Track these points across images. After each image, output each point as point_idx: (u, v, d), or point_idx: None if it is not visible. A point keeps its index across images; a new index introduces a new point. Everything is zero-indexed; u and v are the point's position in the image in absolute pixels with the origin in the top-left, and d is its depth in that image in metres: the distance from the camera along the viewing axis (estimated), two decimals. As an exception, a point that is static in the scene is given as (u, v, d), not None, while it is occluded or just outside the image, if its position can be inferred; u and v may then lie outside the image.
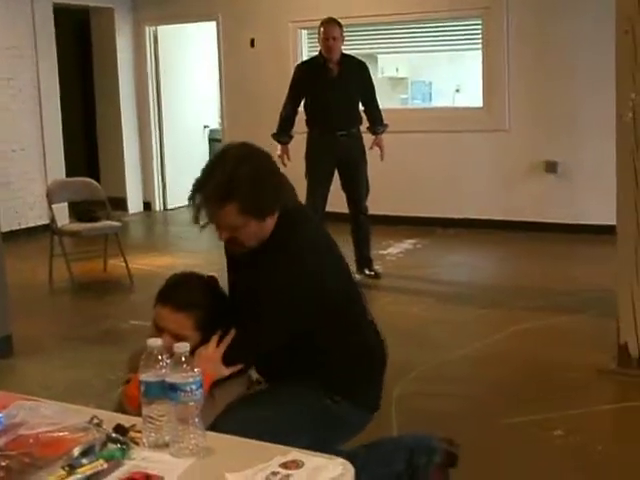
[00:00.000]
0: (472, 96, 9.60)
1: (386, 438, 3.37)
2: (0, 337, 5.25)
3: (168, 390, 1.89)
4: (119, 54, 10.67)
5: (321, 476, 1.74)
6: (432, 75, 11.07)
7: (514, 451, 3.79)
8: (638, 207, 4.55)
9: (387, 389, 4.44)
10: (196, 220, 2.61)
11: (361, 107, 7.02)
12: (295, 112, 6.96)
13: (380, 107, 7.06)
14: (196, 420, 1.89)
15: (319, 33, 6.78)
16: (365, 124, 7.00)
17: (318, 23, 9.59)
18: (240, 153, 2.62)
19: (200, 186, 2.56)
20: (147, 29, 10.80)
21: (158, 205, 11.05)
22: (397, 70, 10.89)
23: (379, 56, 10.55)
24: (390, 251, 8.01)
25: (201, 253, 8.50)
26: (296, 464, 1.80)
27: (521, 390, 4.53)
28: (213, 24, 10.36)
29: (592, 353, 4.91)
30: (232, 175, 2.50)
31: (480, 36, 8.94)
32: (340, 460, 1.82)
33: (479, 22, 8.91)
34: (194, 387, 1.87)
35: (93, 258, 7.55)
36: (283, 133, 7.02)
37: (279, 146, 6.98)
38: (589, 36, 8.13)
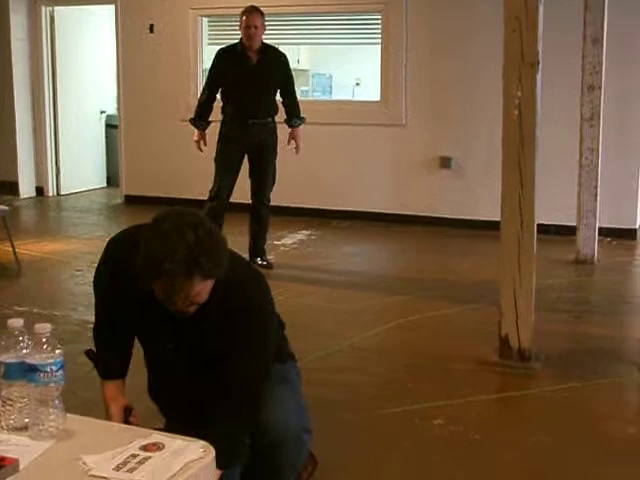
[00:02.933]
0: (372, 90, 9.67)
1: None
2: None
3: (28, 371, 1.84)
4: (13, 33, 10.36)
5: (180, 458, 1.73)
6: (333, 68, 11.13)
7: (394, 440, 3.84)
8: (522, 204, 4.65)
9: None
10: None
11: (279, 98, 7.05)
12: (212, 98, 6.96)
13: (298, 100, 7.15)
14: (56, 402, 1.85)
15: (240, 21, 6.73)
16: (282, 116, 7.01)
17: (218, 11, 9.59)
18: (182, 223, 2.43)
19: (155, 274, 2.38)
20: (44, 9, 10.53)
21: (51, 190, 10.81)
22: (298, 62, 10.89)
23: (280, 47, 10.51)
24: (284, 242, 8.03)
25: (93, 240, 8.37)
26: (156, 446, 1.78)
27: (405, 380, 4.59)
28: (112, 7, 10.17)
29: (476, 345, 5.01)
30: (188, 249, 2.36)
31: (379, 30, 9.01)
32: (201, 442, 1.82)
33: (379, 16, 8.98)
34: (54, 368, 1.83)
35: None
36: (200, 119, 7.01)
37: (195, 131, 7.01)
38: (484, 29, 8.24)
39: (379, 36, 9.05)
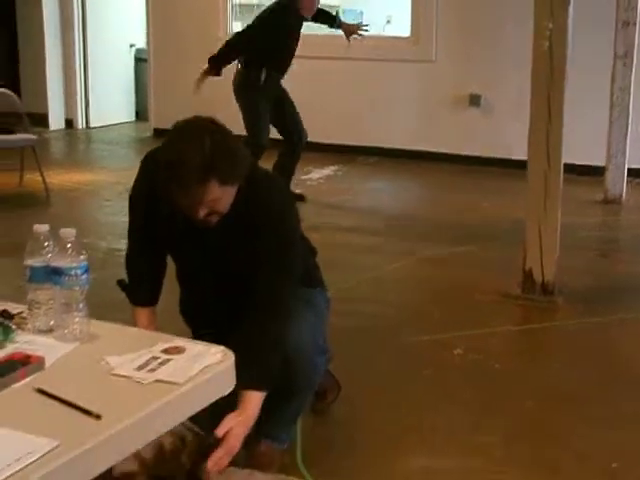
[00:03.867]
0: (403, 27, 9.57)
1: None
2: None
3: (53, 275, 1.88)
4: (43, -34, 10.35)
5: (200, 361, 1.77)
6: (364, 4, 11.02)
7: (414, 368, 3.88)
8: (549, 138, 4.62)
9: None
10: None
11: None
12: (250, 48, 6.69)
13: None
14: (80, 305, 1.89)
15: None
16: None
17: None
18: (199, 128, 2.48)
19: (173, 177, 2.40)
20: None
21: (80, 123, 10.85)
22: (329, -3, 10.79)
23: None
24: (311, 176, 8.04)
25: (122, 171, 8.42)
26: (177, 350, 1.82)
27: (427, 311, 4.63)
28: (141, -61, 10.11)
29: (500, 279, 5.02)
30: (203, 153, 2.38)
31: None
32: (221, 347, 1.85)
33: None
34: (79, 272, 1.87)
35: (9, 171, 7.39)
36: (224, 62, 6.74)
37: (204, 68, 6.76)
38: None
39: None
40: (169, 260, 2.92)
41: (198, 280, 2.84)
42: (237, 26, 10.06)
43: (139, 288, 2.91)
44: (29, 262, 1.92)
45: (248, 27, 6.85)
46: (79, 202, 7.17)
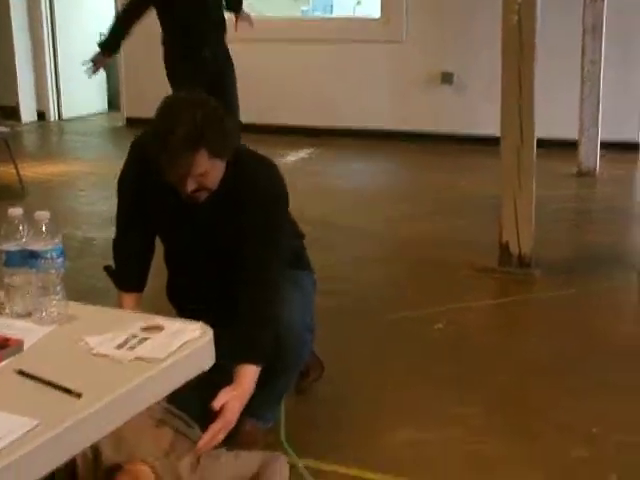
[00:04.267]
0: (373, 8, 9.56)
1: None
2: None
3: (28, 258, 1.88)
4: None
5: (179, 338, 1.78)
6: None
7: (395, 343, 3.92)
8: (521, 112, 4.65)
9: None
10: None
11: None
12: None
13: None
14: (57, 288, 1.89)
15: None
16: None
17: None
18: (189, 101, 2.53)
19: (163, 146, 2.43)
20: None
21: (53, 115, 10.77)
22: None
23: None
24: (287, 159, 8.03)
25: (96, 162, 8.40)
26: (156, 327, 1.83)
27: (405, 287, 4.66)
28: None
29: (476, 254, 5.05)
30: (194, 123, 2.42)
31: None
32: (199, 324, 1.86)
33: None
34: (54, 254, 1.87)
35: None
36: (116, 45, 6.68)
37: (97, 52, 6.52)
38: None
39: (379, -49, 8.93)
40: (157, 246, 2.93)
41: (188, 259, 2.85)
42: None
43: (126, 273, 2.92)
44: (4, 246, 1.91)
45: None
46: (54, 193, 7.13)
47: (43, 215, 1.88)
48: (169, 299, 3.01)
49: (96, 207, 6.59)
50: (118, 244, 2.96)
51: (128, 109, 10.22)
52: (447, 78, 8.64)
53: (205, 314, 2.47)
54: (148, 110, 9.90)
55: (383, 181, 7.65)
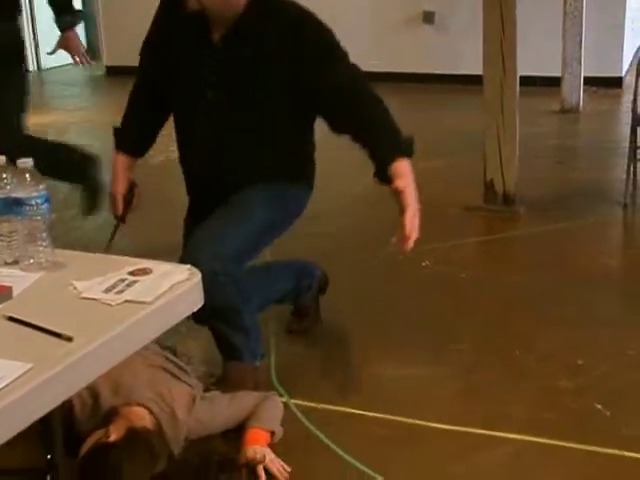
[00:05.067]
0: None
1: (278, 260, 3.50)
2: None
3: (13, 206, 1.88)
4: None
5: (167, 280, 1.79)
6: None
7: (383, 280, 3.95)
8: (503, 49, 4.63)
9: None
10: None
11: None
12: None
13: None
14: (44, 235, 1.90)
15: None
16: None
17: None
18: None
19: None
20: None
21: (32, 65, 10.66)
22: None
23: None
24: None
25: (78, 111, 8.34)
26: (144, 271, 1.84)
27: (390, 227, 4.66)
28: None
29: (461, 192, 5.08)
30: None
31: None
32: (187, 266, 1.88)
33: None
34: (39, 201, 1.87)
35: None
36: None
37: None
38: None
39: None
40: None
41: (208, 120, 2.75)
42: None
43: (124, 133, 2.93)
44: (-13, 196, 1.91)
45: None
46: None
47: (26, 162, 1.88)
48: (183, 170, 2.96)
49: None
50: (130, 99, 2.96)
51: (108, 58, 10.12)
52: (428, 17, 8.57)
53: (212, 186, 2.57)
54: (129, 58, 9.78)
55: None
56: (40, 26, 10.59)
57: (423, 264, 4.08)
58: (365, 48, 8.85)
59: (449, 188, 5.25)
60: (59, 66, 10.75)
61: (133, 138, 2.93)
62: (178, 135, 2.89)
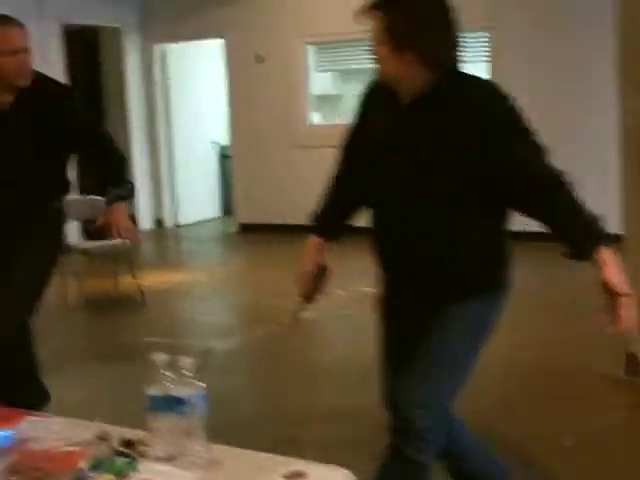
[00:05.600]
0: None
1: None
2: (13, 355, 5.29)
3: (174, 404, 1.92)
4: (128, 72, 10.76)
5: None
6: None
7: (521, 464, 3.77)
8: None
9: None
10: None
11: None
12: None
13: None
14: (200, 433, 1.92)
15: None
16: None
17: (327, 39, 9.72)
18: None
19: None
20: (155, 47, 10.87)
21: (169, 222, 11.11)
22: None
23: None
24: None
25: (211, 269, 8.58)
26: (299, 475, 1.83)
27: (519, 403, 4.51)
28: (221, 41, 10.45)
29: (597, 359, 4.91)
30: None
31: (489, 49, 9.00)
32: (345, 471, 1.85)
33: (486, 35, 8.97)
34: (198, 400, 1.91)
35: (104, 275, 7.59)
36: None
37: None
38: (602, 55, 8.17)
39: (487, 55, 9.02)
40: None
41: (396, 195, 2.69)
42: (317, 117, 10.28)
43: (322, 217, 2.93)
44: (150, 391, 1.96)
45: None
46: (173, 303, 7.29)
47: (187, 362, 1.93)
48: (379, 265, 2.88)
49: (214, 317, 6.71)
50: (326, 191, 2.97)
51: (242, 215, 10.46)
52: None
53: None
54: (261, 215, 10.14)
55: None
56: (178, 183, 11.07)
57: (562, 444, 3.90)
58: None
59: (585, 356, 5.08)
60: (195, 222, 11.18)
61: (327, 222, 2.96)
62: (370, 213, 2.88)
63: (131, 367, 4.91)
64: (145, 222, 10.95)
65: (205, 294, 7.31)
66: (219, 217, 11.64)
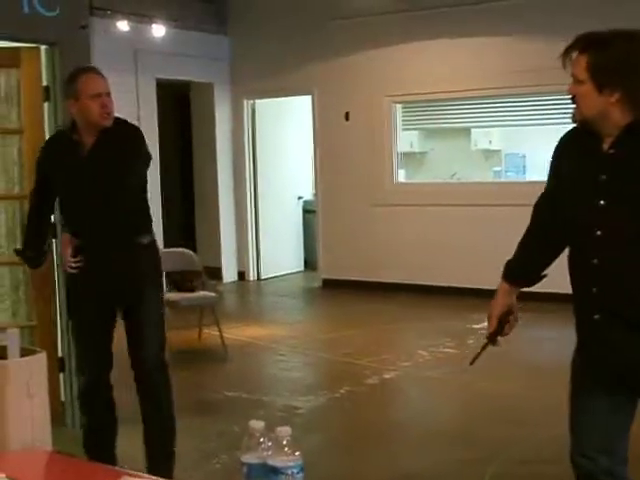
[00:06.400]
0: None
1: None
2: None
3: (270, 473, 1.91)
4: (218, 126, 10.95)
5: None
6: (526, 147, 11.02)
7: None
8: None
9: (480, 468, 4.43)
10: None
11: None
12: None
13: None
14: (296, 501, 1.91)
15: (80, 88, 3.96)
16: None
17: (414, 97, 9.78)
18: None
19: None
20: (245, 102, 11.06)
21: (252, 275, 11.19)
22: (490, 142, 10.88)
23: (473, 130, 10.62)
24: (483, 325, 7.89)
25: (294, 324, 8.59)
26: None
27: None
28: (309, 97, 10.59)
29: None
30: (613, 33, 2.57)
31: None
32: None
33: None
34: (295, 470, 1.90)
35: (188, 327, 7.65)
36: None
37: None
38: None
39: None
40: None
41: (603, 242, 2.71)
42: (402, 174, 10.30)
43: (516, 263, 3.00)
44: (246, 459, 1.96)
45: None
46: (255, 357, 7.32)
47: (285, 431, 1.92)
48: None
49: (295, 373, 6.71)
50: (523, 238, 3.03)
51: (325, 270, 10.49)
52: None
53: None
54: (343, 271, 10.12)
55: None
56: (262, 237, 11.17)
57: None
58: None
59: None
60: (277, 276, 11.24)
61: (520, 270, 3.00)
62: (571, 269, 2.88)
63: (211, 421, 4.92)
64: (228, 275, 11.05)
65: (285, 350, 7.31)
66: (301, 271, 11.69)
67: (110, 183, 3.89)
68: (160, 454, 4.14)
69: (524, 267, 3.01)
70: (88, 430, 4.25)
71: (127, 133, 4.06)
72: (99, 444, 4.18)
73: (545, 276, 3.00)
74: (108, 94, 3.96)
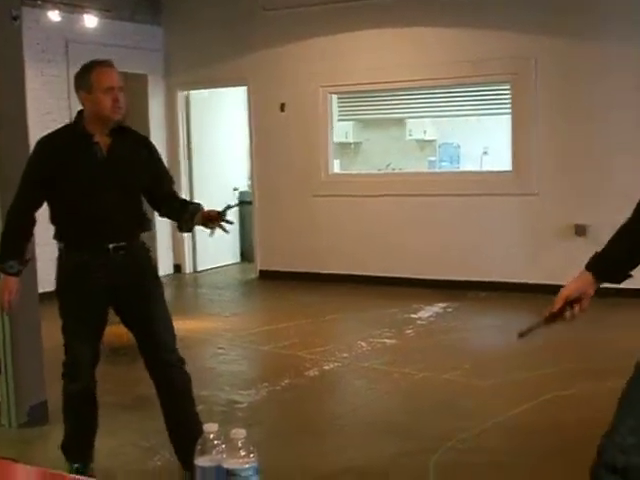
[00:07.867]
0: (500, 159, 9.64)
1: None
2: (35, 403, 5.27)
3: (225, 476, 1.89)
4: (152, 118, 10.83)
5: None
6: (460, 137, 11.14)
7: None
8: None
9: (424, 458, 4.46)
10: None
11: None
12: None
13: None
14: (250, 505, 1.88)
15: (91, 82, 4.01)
16: None
17: (349, 88, 9.79)
18: None
19: None
20: (179, 93, 10.97)
21: (188, 267, 11.11)
22: (425, 132, 10.97)
23: (408, 121, 10.69)
24: (421, 315, 8.00)
25: (231, 317, 8.54)
26: None
27: (561, 465, 4.46)
28: (244, 88, 10.52)
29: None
30: None
31: (509, 100, 9.02)
32: None
33: (508, 87, 9.00)
34: (250, 473, 1.87)
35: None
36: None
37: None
38: (620, 99, 8.21)
39: (508, 106, 9.05)
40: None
41: None
42: (337, 165, 10.31)
43: (605, 258, 2.95)
44: (200, 462, 1.92)
45: None
46: (193, 351, 7.20)
47: (239, 433, 1.89)
48: None
49: (235, 366, 6.66)
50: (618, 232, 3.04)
51: (261, 262, 10.46)
52: (581, 230, 8.55)
53: None
54: (280, 263, 10.13)
55: (526, 339, 7.47)
56: (198, 229, 11.04)
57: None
58: (518, 260, 8.89)
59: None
60: (213, 268, 11.17)
61: (608, 265, 2.94)
62: None
63: (150, 417, 4.86)
64: (164, 268, 10.93)
65: (224, 343, 7.26)
66: (238, 262, 11.63)
67: (132, 182, 4.06)
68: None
69: (616, 264, 2.93)
70: (73, 433, 4.20)
71: (139, 135, 4.36)
72: (82, 445, 4.18)
73: (631, 276, 2.91)
74: (121, 88, 4.04)
